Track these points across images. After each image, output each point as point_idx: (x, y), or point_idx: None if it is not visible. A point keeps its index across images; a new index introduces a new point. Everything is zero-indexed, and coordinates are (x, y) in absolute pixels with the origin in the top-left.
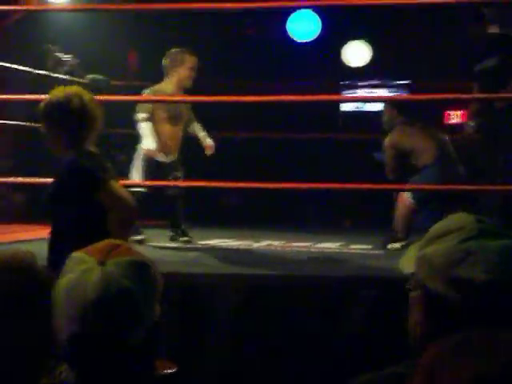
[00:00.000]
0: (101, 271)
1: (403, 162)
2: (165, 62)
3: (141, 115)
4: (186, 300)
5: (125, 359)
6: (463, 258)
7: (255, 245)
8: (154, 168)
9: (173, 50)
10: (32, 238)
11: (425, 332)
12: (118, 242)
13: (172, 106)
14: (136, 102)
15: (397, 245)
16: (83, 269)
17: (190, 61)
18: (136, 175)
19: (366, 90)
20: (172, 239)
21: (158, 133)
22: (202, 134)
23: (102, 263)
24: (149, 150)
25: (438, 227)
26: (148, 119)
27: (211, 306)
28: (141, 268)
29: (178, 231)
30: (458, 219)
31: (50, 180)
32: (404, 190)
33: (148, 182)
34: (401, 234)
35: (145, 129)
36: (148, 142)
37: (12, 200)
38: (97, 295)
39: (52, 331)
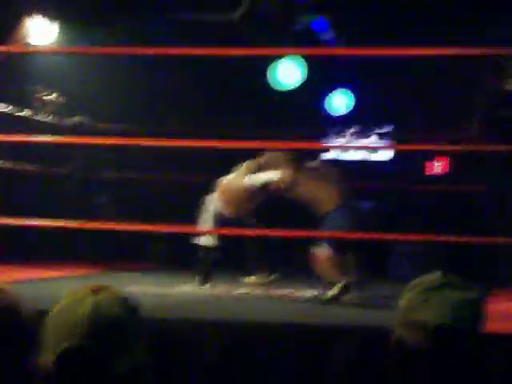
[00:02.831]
0: (93, 299)
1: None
2: None
3: None
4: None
5: None
6: (420, 304)
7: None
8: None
9: None
10: (17, 280)
11: (397, 377)
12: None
13: None
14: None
15: (335, 289)
16: (76, 297)
17: None
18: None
19: (348, 138)
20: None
21: None
22: None
23: (94, 293)
24: None
25: (412, 282)
26: None
27: (191, 352)
28: (129, 302)
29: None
30: (428, 275)
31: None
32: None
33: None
34: (335, 279)
35: None
36: None
37: None
38: (89, 316)
39: (30, 370)
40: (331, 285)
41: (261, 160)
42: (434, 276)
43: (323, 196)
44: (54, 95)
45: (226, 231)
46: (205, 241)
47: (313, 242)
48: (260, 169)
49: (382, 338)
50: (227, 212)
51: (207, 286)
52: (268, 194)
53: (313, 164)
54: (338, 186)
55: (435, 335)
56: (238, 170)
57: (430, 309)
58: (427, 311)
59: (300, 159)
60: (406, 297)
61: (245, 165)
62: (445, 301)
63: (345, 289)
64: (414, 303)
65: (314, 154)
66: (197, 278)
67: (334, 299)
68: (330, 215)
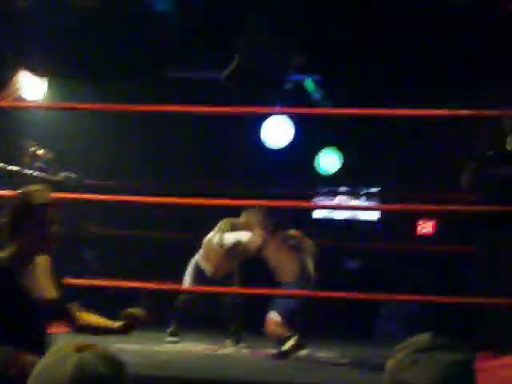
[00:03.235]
0: (77, 357)
1: None
2: None
3: None
4: None
5: None
6: (409, 365)
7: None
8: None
9: None
10: None
11: None
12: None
13: None
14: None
15: (291, 341)
16: (60, 355)
17: None
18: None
19: (338, 197)
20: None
21: None
22: None
23: (79, 351)
24: None
25: (401, 343)
26: None
27: None
28: (115, 360)
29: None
30: (418, 336)
31: None
32: None
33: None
34: (287, 333)
35: None
36: None
37: None
38: (73, 377)
39: None
40: (283, 341)
41: (236, 219)
42: (424, 337)
43: (285, 265)
44: (43, 151)
45: (200, 288)
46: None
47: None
48: (234, 228)
49: None
50: (206, 269)
51: (177, 338)
52: (243, 256)
53: (285, 233)
54: (304, 260)
55: None
56: (215, 228)
57: (419, 370)
58: (416, 373)
59: (275, 225)
60: (396, 358)
61: (220, 223)
62: (434, 362)
63: (296, 345)
64: (403, 364)
65: (288, 223)
66: (170, 328)
67: (288, 353)
68: (286, 286)
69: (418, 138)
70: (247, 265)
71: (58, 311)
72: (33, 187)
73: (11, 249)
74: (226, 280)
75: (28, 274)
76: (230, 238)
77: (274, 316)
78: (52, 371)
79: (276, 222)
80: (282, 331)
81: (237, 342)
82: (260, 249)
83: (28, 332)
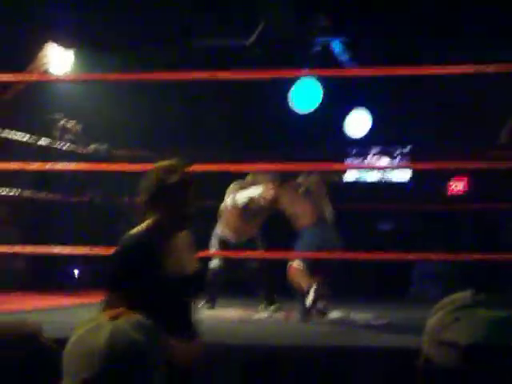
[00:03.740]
0: (111, 325)
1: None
2: None
3: None
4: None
5: None
6: (451, 323)
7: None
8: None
9: None
10: (36, 308)
11: None
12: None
13: None
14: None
15: (311, 294)
16: (94, 324)
17: None
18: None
19: (368, 158)
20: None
21: None
22: None
23: (112, 319)
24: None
25: (442, 301)
26: None
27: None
28: (150, 327)
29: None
30: (458, 293)
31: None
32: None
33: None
34: (307, 287)
35: None
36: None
37: (12, 268)
38: (107, 344)
39: None
40: (307, 293)
41: (243, 180)
42: (464, 295)
43: (300, 212)
44: (72, 123)
45: (226, 253)
46: (212, 264)
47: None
48: (244, 188)
49: (408, 358)
50: (229, 236)
51: (215, 309)
52: (259, 214)
53: (295, 182)
54: (318, 203)
55: (468, 354)
56: (226, 193)
57: (462, 328)
58: (457, 331)
59: (283, 177)
60: (436, 316)
61: (229, 188)
62: (476, 320)
63: (319, 293)
64: (443, 323)
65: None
66: (204, 301)
67: (314, 303)
68: (304, 231)
69: (448, 96)
70: (268, 228)
71: (200, 284)
72: (169, 164)
73: (149, 223)
74: (250, 245)
75: (168, 248)
76: (242, 196)
77: (295, 264)
78: (87, 340)
79: (283, 174)
80: (304, 279)
81: (269, 306)
82: (274, 201)
83: (173, 311)
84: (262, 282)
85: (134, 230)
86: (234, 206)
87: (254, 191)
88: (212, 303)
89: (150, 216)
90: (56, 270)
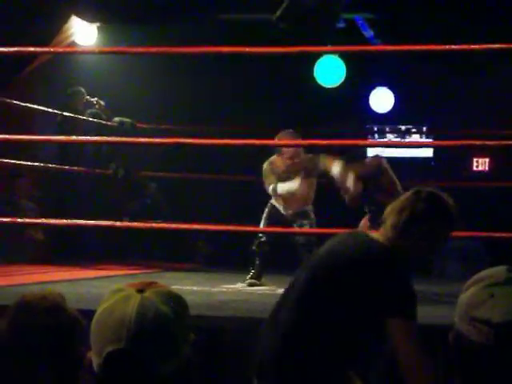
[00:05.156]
0: (140, 297)
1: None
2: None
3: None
4: (211, 343)
5: None
6: (485, 300)
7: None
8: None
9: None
10: (58, 279)
11: (457, 374)
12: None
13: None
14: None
15: None
16: (122, 296)
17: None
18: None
19: (391, 136)
20: None
21: None
22: None
23: (140, 291)
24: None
25: (474, 277)
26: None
27: (235, 350)
28: (177, 299)
29: None
30: (491, 269)
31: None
32: None
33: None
34: None
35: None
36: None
37: (34, 240)
38: (134, 317)
39: (77, 370)
40: None
41: (275, 159)
42: (498, 271)
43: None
44: (96, 98)
45: (273, 230)
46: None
47: None
48: (277, 171)
49: (437, 334)
50: (279, 207)
51: (259, 281)
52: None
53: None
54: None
55: (500, 332)
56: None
57: (495, 305)
58: (492, 308)
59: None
60: (469, 292)
61: (265, 167)
62: (510, 297)
63: None
64: (478, 299)
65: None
66: (250, 273)
67: None
68: None
69: (472, 74)
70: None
71: None
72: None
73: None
74: (302, 216)
75: None
76: (281, 189)
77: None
78: (114, 312)
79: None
80: None
81: None
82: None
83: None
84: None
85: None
86: (274, 195)
87: (293, 185)
88: (256, 276)
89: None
90: (77, 242)
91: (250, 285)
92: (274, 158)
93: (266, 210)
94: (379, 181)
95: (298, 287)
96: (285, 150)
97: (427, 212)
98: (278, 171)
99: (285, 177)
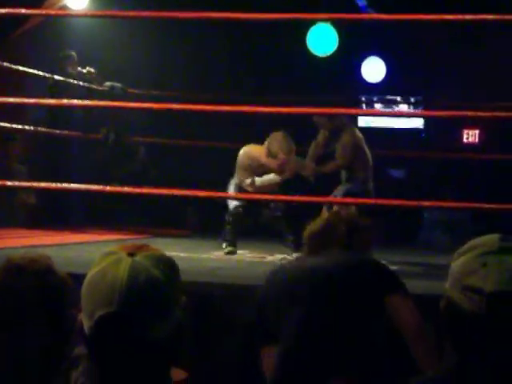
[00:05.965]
0: (131, 261)
1: None
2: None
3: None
4: (201, 309)
5: (145, 355)
6: (477, 269)
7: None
8: None
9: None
10: (47, 243)
11: (448, 342)
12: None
13: None
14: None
15: None
16: (113, 259)
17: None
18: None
19: (378, 106)
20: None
21: None
22: None
23: (131, 255)
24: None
25: (466, 244)
26: None
27: (225, 316)
28: (169, 262)
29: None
30: (484, 237)
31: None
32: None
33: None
34: None
35: None
36: None
37: (26, 204)
38: (126, 281)
39: (67, 332)
40: None
41: (255, 146)
42: (492, 239)
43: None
44: (86, 68)
45: (248, 196)
46: (231, 205)
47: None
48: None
49: (426, 303)
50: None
51: (234, 249)
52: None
53: None
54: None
55: (491, 301)
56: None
57: (488, 274)
58: (484, 276)
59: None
60: (461, 260)
61: (241, 153)
62: (504, 266)
63: None
64: (470, 267)
65: None
66: (224, 241)
67: None
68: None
69: (466, 45)
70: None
71: None
72: None
73: None
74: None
75: None
76: (260, 181)
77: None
78: (106, 276)
79: None
80: None
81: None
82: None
83: None
84: (288, 228)
85: None
86: (252, 185)
87: (272, 178)
88: (230, 244)
89: None
90: (67, 206)
91: (230, 253)
92: (252, 151)
93: (232, 188)
94: None
95: None
96: (280, 152)
97: None
98: (255, 165)
99: (261, 171)
